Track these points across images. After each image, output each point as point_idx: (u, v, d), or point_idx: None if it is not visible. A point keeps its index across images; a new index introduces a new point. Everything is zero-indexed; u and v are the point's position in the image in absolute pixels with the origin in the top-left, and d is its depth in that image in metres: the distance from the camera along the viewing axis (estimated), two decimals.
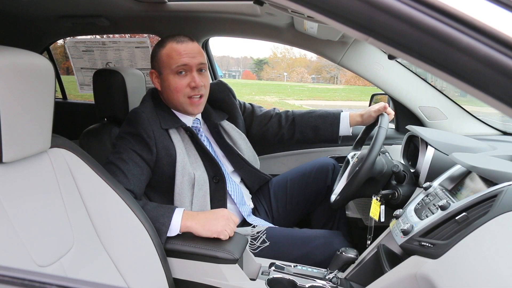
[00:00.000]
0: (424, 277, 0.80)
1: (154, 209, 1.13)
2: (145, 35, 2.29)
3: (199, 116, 1.44)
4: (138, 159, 1.23)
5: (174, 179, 1.27)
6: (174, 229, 1.11)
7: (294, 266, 1.20)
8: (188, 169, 1.27)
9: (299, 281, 1.13)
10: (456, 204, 0.88)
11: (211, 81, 1.47)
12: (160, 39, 1.41)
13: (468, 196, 0.89)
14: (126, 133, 1.27)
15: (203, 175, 1.31)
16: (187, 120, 1.39)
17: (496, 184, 0.85)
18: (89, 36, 2.37)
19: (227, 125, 1.50)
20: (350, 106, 14.90)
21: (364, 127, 1.54)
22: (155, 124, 1.28)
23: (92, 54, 2.34)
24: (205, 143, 1.40)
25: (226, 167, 1.46)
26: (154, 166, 1.27)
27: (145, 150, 1.24)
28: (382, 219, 1.25)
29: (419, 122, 1.69)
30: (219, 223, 1.11)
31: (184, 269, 1.12)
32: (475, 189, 0.94)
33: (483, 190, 0.86)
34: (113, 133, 1.41)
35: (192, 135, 1.36)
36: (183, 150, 1.31)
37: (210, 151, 1.39)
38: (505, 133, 1.64)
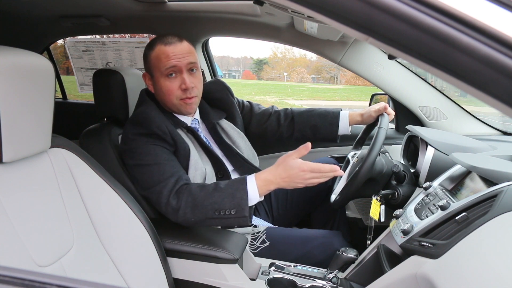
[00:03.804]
0: (424, 277, 0.80)
1: (228, 186, 1.11)
2: (145, 35, 2.29)
3: (197, 116, 1.44)
4: (162, 150, 1.22)
5: (187, 173, 1.26)
6: (253, 198, 1.09)
7: (294, 266, 1.20)
8: (200, 164, 1.28)
9: (299, 281, 1.13)
10: (456, 204, 0.88)
11: (208, 80, 1.46)
12: None
13: (468, 196, 0.89)
14: (140, 135, 1.23)
15: (211, 170, 1.32)
16: (186, 121, 1.39)
17: (496, 184, 0.85)
18: (89, 36, 2.37)
19: (225, 124, 1.49)
20: (350, 106, 14.91)
21: (364, 127, 1.54)
22: (164, 122, 1.28)
23: (92, 54, 2.34)
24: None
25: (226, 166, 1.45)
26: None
27: (165, 143, 1.23)
28: (382, 219, 1.25)
29: (419, 122, 1.69)
30: (303, 177, 1.06)
31: (184, 269, 1.12)
32: (475, 189, 0.94)
33: (483, 190, 0.86)
34: (113, 133, 1.40)
35: (194, 134, 1.36)
36: (193, 146, 1.31)
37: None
38: (505, 133, 1.63)
